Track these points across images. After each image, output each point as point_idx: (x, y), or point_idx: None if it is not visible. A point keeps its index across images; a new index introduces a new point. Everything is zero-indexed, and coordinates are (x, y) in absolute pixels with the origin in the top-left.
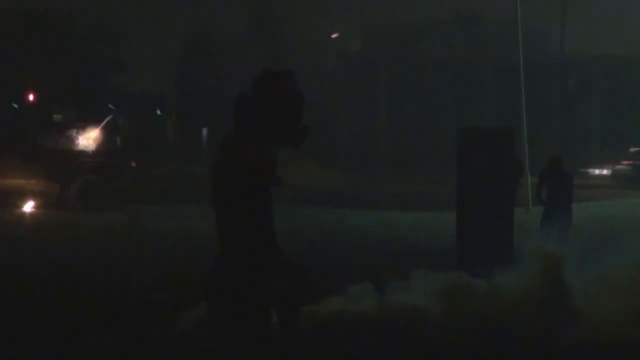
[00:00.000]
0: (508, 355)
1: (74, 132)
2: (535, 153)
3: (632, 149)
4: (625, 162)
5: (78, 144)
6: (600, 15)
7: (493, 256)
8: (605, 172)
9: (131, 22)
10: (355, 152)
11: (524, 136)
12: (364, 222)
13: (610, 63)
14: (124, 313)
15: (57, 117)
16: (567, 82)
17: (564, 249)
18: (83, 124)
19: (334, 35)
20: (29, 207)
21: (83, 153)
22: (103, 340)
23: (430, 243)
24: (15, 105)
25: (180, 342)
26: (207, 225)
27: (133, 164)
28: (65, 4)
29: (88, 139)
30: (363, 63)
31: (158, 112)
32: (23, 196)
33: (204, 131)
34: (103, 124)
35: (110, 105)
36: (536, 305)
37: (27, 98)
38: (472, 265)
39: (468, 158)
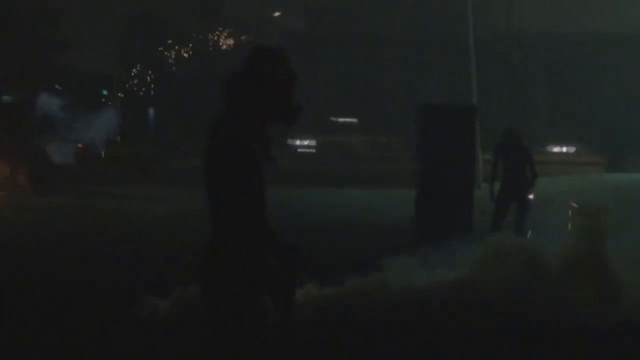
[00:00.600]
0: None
1: (22, 114)
2: (486, 129)
3: None
4: None
5: (27, 126)
6: None
7: (453, 232)
8: (565, 149)
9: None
10: (306, 129)
11: (475, 112)
12: (322, 200)
13: (556, 39)
14: (91, 299)
15: (5, 98)
16: (512, 57)
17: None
18: (32, 106)
19: (276, 14)
20: None
21: (31, 135)
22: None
23: (387, 221)
24: None
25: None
26: (161, 206)
27: (80, 146)
28: None
29: (36, 120)
30: (307, 40)
31: (104, 92)
32: None
33: (151, 110)
34: (48, 104)
35: (58, 86)
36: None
37: None
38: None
39: (429, 135)
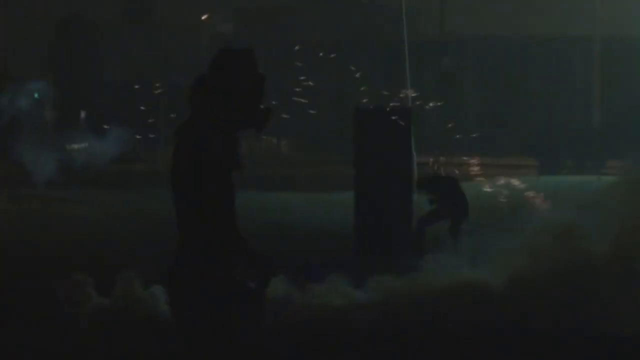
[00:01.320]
0: None
1: None
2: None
3: None
4: None
5: None
6: None
7: (392, 237)
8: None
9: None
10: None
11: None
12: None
13: (488, 43)
14: None
15: None
16: (443, 61)
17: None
18: None
19: (203, 17)
20: None
21: None
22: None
23: (326, 226)
24: None
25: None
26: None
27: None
28: None
29: None
30: (237, 45)
31: (35, 95)
32: None
33: (82, 113)
34: None
35: None
36: None
37: None
38: (371, 248)
39: (365, 138)
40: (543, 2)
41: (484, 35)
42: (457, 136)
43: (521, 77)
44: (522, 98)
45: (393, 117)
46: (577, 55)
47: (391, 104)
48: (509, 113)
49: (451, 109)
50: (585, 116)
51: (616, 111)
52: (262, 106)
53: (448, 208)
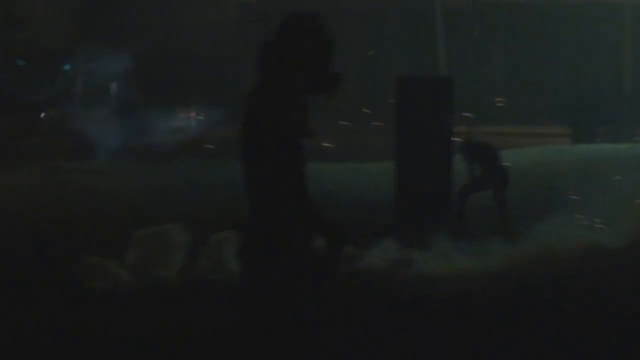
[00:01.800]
0: None
1: None
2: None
3: None
4: None
5: None
6: None
7: (432, 209)
8: None
9: None
10: None
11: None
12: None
13: (518, 11)
14: None
15: None
16: (474, 30)
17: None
18: None
19: None
20: None
21: None
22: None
23: (365, 196)
24: None
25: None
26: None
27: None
28: None
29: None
30: (262, 13)
31: (66, 67)
32: None
33: (113, 85)
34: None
35: (19, 62)
36: None
37: None
38: (410, 219)
39: (405, 108)
40: None
41: (515, 1)
42: (491, 104)
43: (552, 44)
44: (554, 66)
45: (433, 86)
46: (608, 21)
47: (429, 73)
48: (541, 81)
49: (482, 77)
50: (617, 84)
51: None
52: (331, 71)
53: (489, 176)
